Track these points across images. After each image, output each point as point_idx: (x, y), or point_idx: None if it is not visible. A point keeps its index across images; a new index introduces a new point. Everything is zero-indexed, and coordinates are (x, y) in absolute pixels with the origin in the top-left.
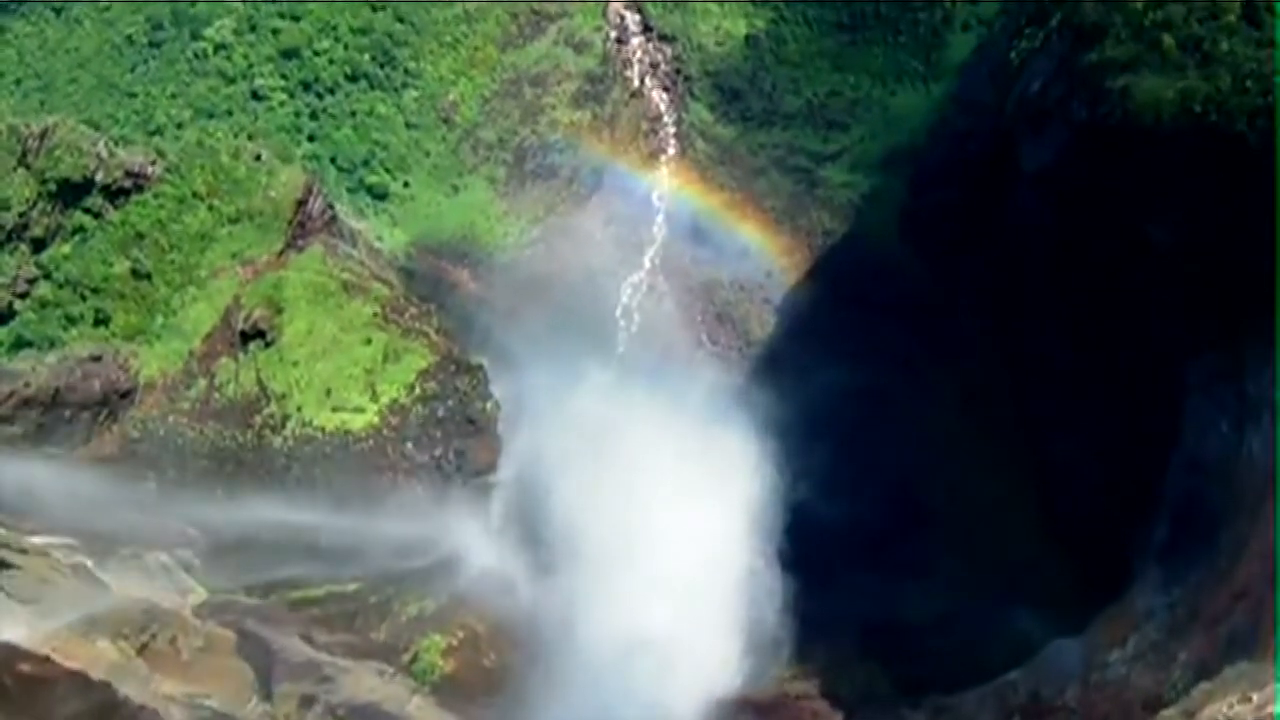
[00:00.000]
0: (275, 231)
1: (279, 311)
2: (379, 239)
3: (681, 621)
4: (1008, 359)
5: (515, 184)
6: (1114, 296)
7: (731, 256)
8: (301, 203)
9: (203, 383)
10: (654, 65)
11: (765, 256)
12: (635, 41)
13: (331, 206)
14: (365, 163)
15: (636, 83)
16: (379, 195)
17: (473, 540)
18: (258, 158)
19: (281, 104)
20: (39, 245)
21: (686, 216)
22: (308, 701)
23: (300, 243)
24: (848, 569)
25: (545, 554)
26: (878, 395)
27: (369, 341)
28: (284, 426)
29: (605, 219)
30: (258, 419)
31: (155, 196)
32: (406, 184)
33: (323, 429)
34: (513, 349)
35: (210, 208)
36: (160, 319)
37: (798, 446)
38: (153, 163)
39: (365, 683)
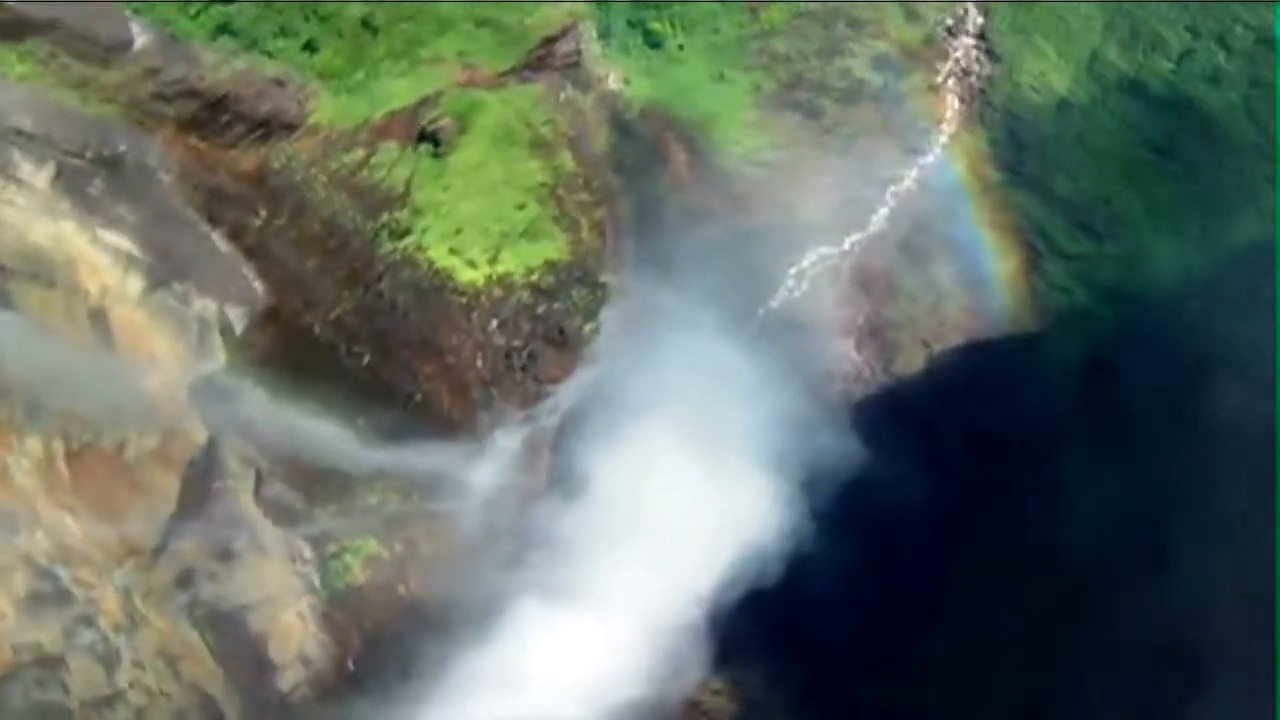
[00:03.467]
0: (511, 54)
1: (464, 131)
2: (625, 81)
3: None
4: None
5: (775, 104)
6: None
7: (923, 285)
8: (551, 39)
9: (360, 154)
10: (965, 72)
11: (951, 306)
12: (963, 40)
13: (579, 53)
14: (659, 6)
15: (939, 79)
16: (652, 43)
17: (492, 452)
18: None
19: None
20: None
21: (906, 224)
22: (184, 581)
23: (528, 74)
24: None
25: (548, 502)
26: (947, 493)
27: (522, 207)
28: (400, 238)
29: (836, 184)
30: (384, 216)
31: None
32: (681, 47)
33: (430, 262)
34: (674, 251)
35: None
36: (361, 75)
37: (838, 504)
38: None
39: (266, 573)
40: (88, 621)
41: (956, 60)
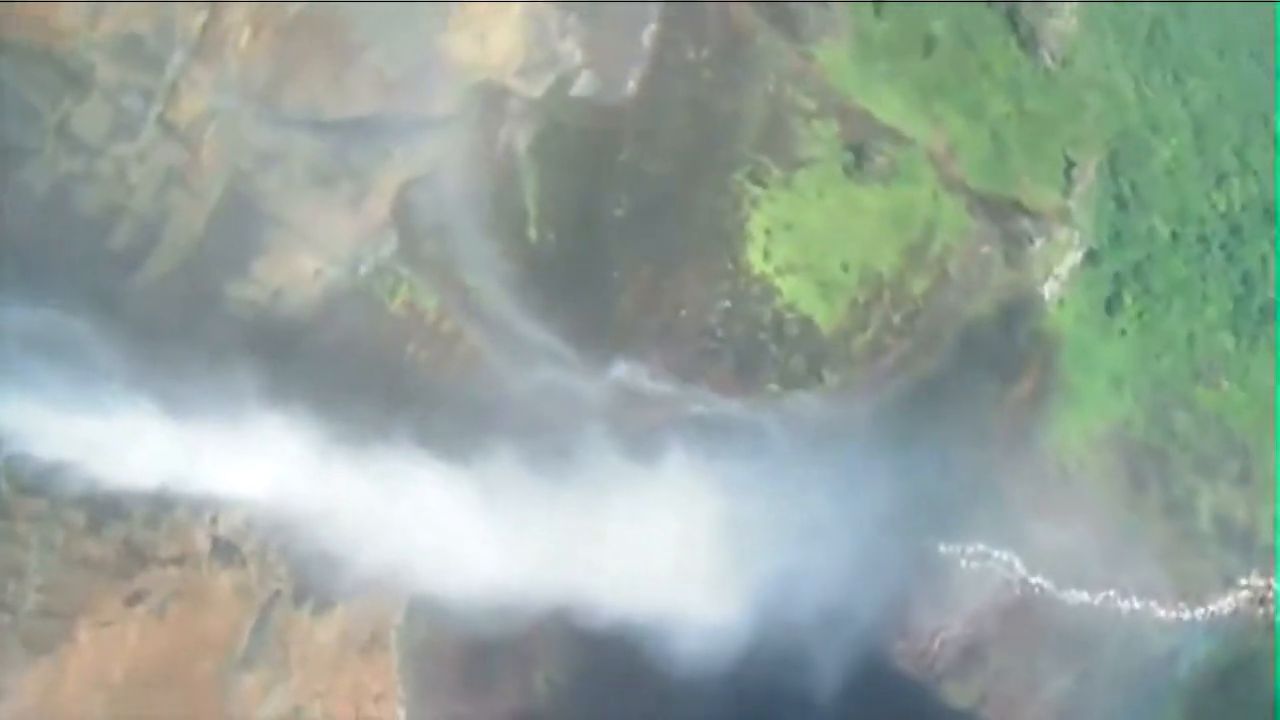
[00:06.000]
0: (990, 182)
1: (885, 180)
2: (1059, 303)
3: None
4: None
5: (1124, 448)
6: None
7: (1046, 674)
8: (1026, 210)
9: (812, 107)
10: (1262, 601)
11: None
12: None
13: (1030, 239)
14: (1148, 294)
15: (1245, 581)
16: (1109, 307)
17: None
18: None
19: None
20: None
21: (1099, 634)
22: (266, 159)
23: (980, 209)
24: None
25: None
26: None
27: (846, 269)
28: (752, 183)
29: (1086, 541)
30: (764, 159)
31: None
32: (1124, 332)
33: (745, 220)
34: (917, 431)
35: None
36: (885, 66)
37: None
38: None
39: (332, 224)
40: (148, 97)
41: (1269, 587)
